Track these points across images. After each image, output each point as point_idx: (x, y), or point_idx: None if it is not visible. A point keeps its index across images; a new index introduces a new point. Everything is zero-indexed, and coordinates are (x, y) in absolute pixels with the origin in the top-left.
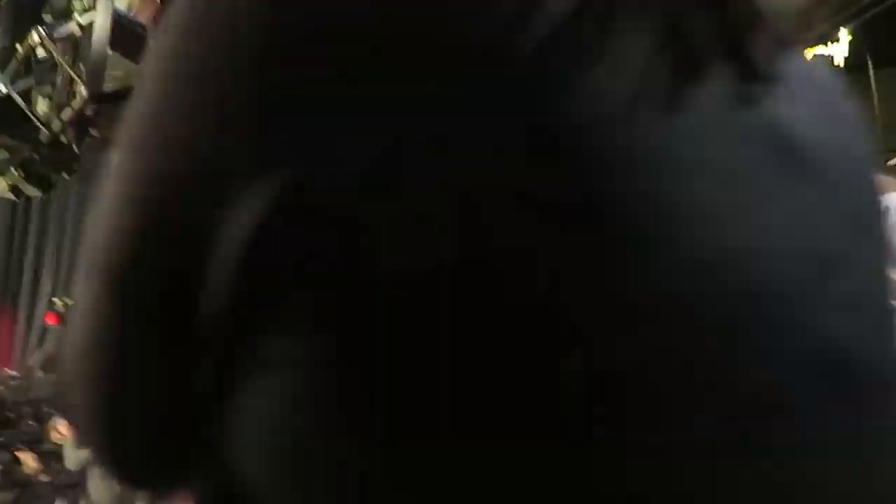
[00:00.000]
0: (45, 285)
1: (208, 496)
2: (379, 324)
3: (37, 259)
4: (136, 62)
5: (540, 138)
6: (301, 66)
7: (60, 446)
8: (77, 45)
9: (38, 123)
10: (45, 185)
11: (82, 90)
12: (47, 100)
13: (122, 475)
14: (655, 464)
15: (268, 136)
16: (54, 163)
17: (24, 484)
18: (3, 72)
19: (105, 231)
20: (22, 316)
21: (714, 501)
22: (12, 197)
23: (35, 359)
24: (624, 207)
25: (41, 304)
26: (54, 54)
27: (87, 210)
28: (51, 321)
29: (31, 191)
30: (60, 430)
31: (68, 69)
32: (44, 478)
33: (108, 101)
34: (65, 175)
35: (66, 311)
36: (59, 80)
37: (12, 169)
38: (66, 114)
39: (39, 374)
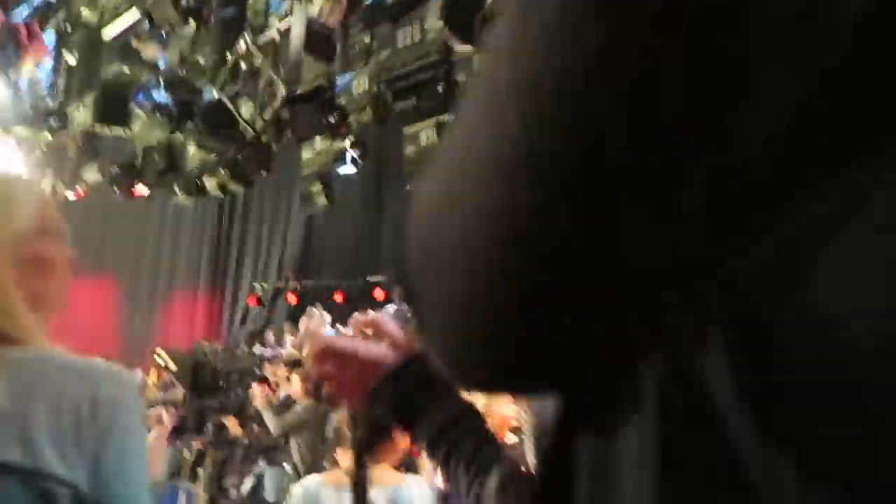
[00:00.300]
0: (247, 272)
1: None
2: None
3: (240, 249)
4: (328, 63)
5: None
6: None
7: (260, 413)
8: (276, 50)
9: (245, 124)
10: (246, 182)
11: (281, 90)
12: (250, 102)
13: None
14: None
15: None
16: (254, 161)
17: (230, 444)
18: (214, 81)
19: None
20: (228, 298)
21: None
22: (220, 194)
23: (240, 334)
24: None
25: (244, 289)
26: (257, 61)
27: (281, 204)
28: (251, 303)
29: (236, 187)
30: (259, 398)
31: (269, 72)
32: (246, 440)
33: (303, 102)
34: (263, 172)
35: (263, 293)
36: (261, 83)
37: (220, 169)
38: (267, 114)
39: (243, 347)
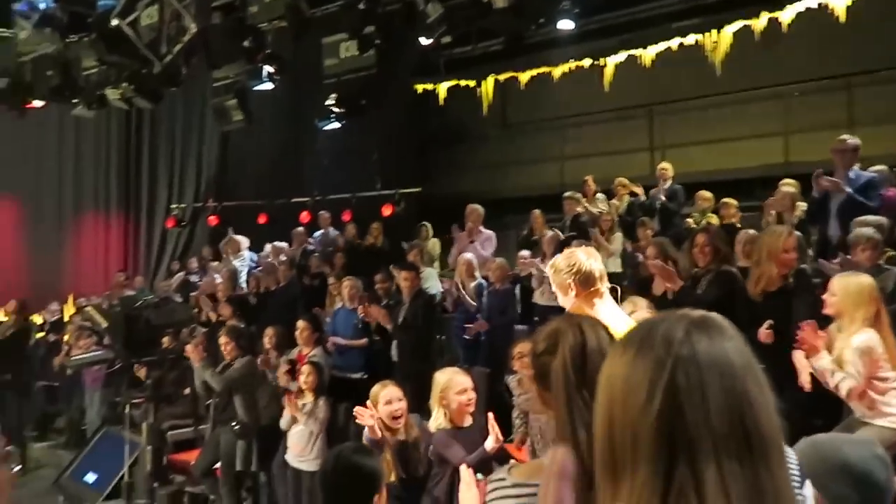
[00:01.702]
0: (162, 192)
1: None
2: None
3: (152, 167)
4: None
5: None
6: None
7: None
8: None
9: (147, 52)
10: (153, 97)
11: (191, 26)
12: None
13: None
14: None
15: None
16: (161, 77)
17: (168, 397)
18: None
19: None
20: (143, 220)
21: None
22: (125, 107)
23: (162, 265)
24: None
25: (160, 210)
26: None
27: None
28: (170, 225)
29: (141, 101)
30: (196, 359)
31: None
32: (189, 393)
33: (215, 31)
34: (172, 88)
35: (181, 214)
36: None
37: (123, 82)
38: (175, 48)
39: (168, 284)
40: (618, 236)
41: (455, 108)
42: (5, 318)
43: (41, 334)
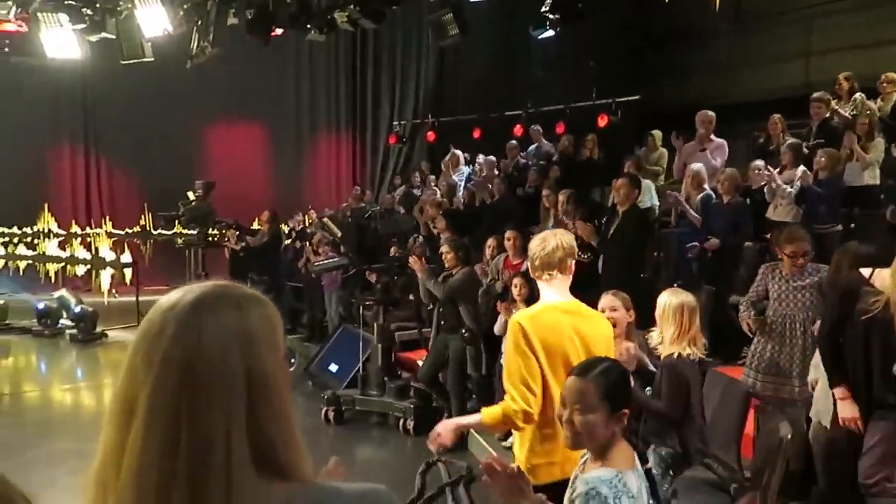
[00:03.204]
0: (385, 110)
1: None
2: None
3: (375, 87)
4: None
5: None
6: None
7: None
8: None
9: None
10: (376, 16)
11: None
12: None
13: None
14: None
15: None
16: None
17: (396, 302)
18: None
19: None
20: (368, 137)
21: None
22: (351, 28)
23: (386, 180)
24: None
25: (383, 127)
26: None
27: (413, 39)
28: (391, 141)
29: (366, 22)
30: (419, 270)
31: None
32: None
33: None
34: (393, 7)
35: (401, 131)
36: None
37: (349, 5)
38: None
39: (395, 197)
40: (878, 142)
41: (681, 5)
42: (260, 228)
43: (288, 241)
